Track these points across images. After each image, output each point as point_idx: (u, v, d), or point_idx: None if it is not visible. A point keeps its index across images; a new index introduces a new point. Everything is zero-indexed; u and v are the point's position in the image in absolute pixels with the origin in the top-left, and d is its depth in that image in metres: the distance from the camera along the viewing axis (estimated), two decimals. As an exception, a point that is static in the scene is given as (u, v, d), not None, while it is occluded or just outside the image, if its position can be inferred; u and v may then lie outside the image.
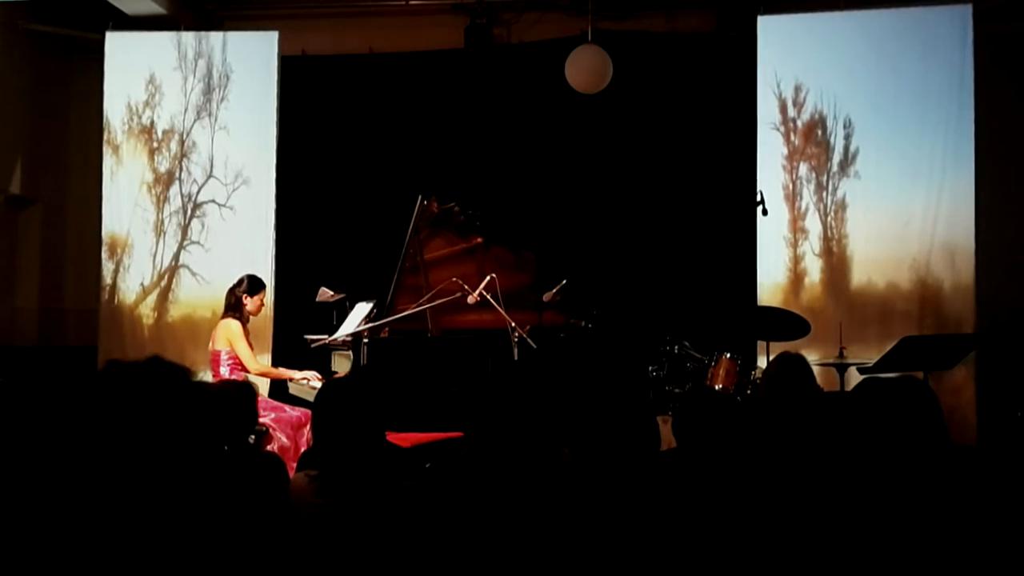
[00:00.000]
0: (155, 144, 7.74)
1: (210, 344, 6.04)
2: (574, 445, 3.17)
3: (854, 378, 6.07)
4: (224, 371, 5.86)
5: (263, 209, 7.60)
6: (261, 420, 5.31)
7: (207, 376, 6.32)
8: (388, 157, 8.13)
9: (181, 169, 7.69)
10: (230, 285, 6.16)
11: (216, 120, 7.72)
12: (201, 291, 7.57)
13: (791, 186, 7.16)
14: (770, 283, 7.15)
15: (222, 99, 7.72)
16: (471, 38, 8.06)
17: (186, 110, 7.73)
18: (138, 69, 7.72)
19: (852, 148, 7.08)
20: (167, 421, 2.36)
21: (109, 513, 2.27)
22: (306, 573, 2.74)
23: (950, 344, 6.11)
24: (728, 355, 6.34)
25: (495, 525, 2.86)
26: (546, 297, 6.11)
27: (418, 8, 8.25)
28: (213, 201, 7.66)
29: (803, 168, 7.15)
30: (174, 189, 7.69)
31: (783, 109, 7.19)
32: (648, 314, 7.29)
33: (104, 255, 7.68)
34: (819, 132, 7.14)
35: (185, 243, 7.66)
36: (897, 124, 7.02)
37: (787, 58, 7.20)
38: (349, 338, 5.75)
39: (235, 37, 7.83)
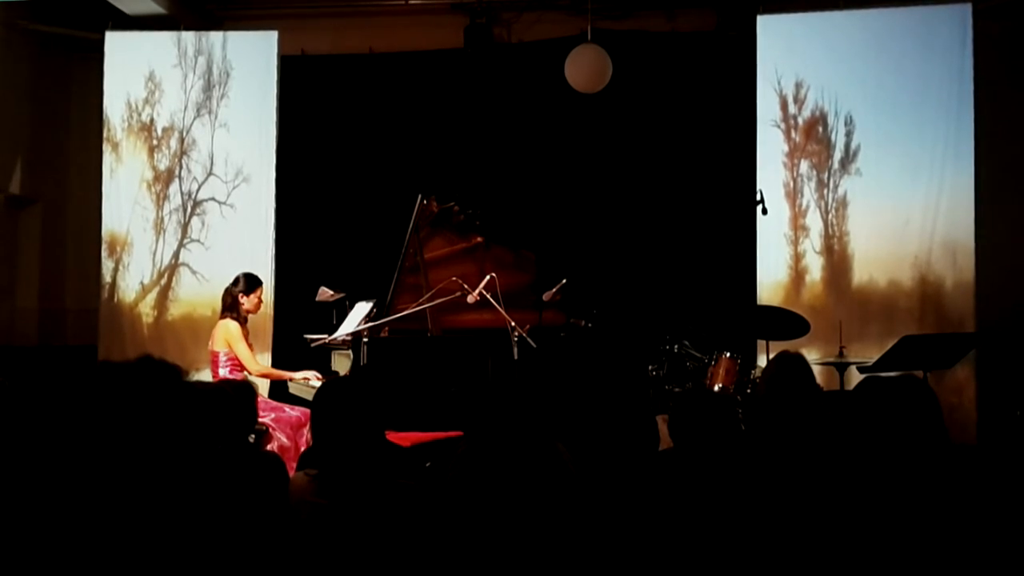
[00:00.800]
0: (155, 141, 7.73)
1: (209, 344, 6.04)
2: (574, 444, 3.17)
3: (854, 377, 6.07)
4: (223, 372, 5.86)
5: (263, 207, 7.60)
6: (261, 420, 5.31)
7: (207, 376, 6.32)
8: (388, 157, 8.13)
9: (181, 167, 7.69)
10: (228, 284, 6.15)
11: (216, 117, 7.71)
12: (201, 289, 7.56)
13: (792, 183, 7.15)
14: (771, 281, 7.14)
15: (222, 96, 7.72)
16: (471, 38, 8.06)
17: (186, 107, 7.72)
18: (138, 66, 7.71)
19: (853, 145, 7.07)
20: (158, 420, 2.36)
21: (105, 513, 2.26)
22: (306, 573, 2.74)
23: (950, 343, 6.11)
24: (728, 354, 6.34)
25: (493, 524, 2.86)
26: (546, 296, 6.11)
27: (418, 8, 8.25)
28: (213, 199, 7.65)
29: (804, 165, 7.15)
30: (174, 187, 7.69)
31: (784, 106, 7.19)
32: (648, 313, 7.29)
33: (104, 253, 7.68)
34: (820, 129, 7.14)
35: (185, 241, 7.65)
36: (897, 121, 7.01)
37: (787, 56, 7.20)
38: (349, 337, 5.75)
39: (235, 36, 7.83)
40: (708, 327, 6.74)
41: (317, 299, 6.49)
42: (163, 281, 7.65)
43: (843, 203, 7.07)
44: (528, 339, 5.62)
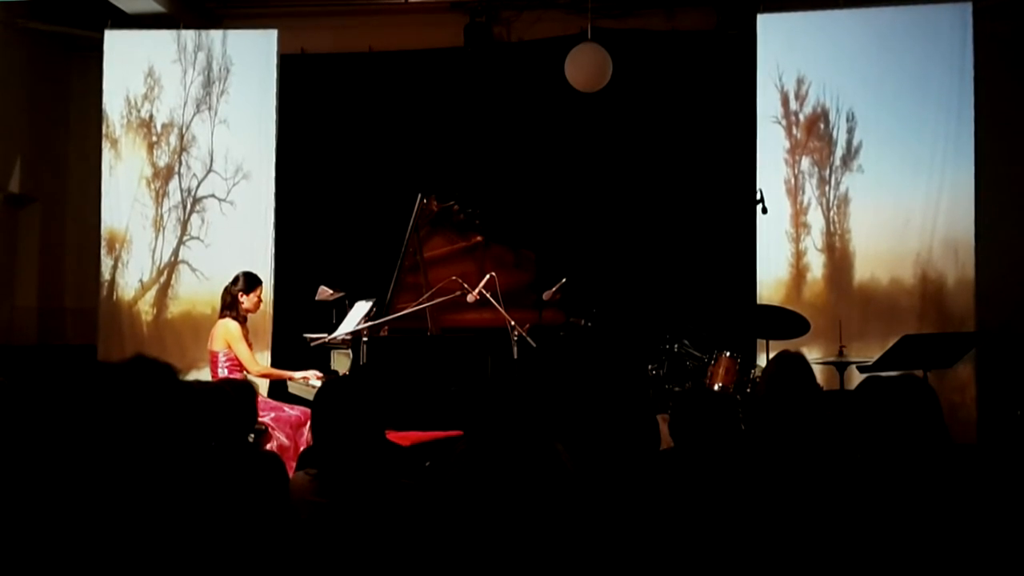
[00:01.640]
0: (154, 138, 7.72)
1: (208, 344, 6.02)
2: (573, 444, 3.17)
3: (854, 376, 6.07)
4: (223, 372, 5.85)
5: (263, 205, 7.59)
6: (260, 419, 5.31)
7: (207, 375, 6.31)
8: (388, 156, 8.12)
9: (180, 163, 7.67)
10: (228, 282, 6.14)
11: (216, 114, 7.69)
12: (201, 287, 7.55)
13: (793, 180, 7.14)
14: (772, 279, 7.13)
15: (222, 92, 7.69)
16: (471, 36, 8.06)
17: (185, 103, 7.70)
18: (137, 62, 7.69)
19: (855, 142, 7.06)
20: (152, 419, 2.35)
21: (103, 513, 2.26)
22: (306, 572, 2.74)
23: (950, 342, 6.11)
24: (728, 354, 6.33)
25: (491, 523, 2.85)
26: (546, 296, 6.10)
27: (418, 6, 8.24)
28: (213, 196, 7.63)
29: (805, 162, 7.14)
30: (173, 184, 7.67)
31: (785, 102, 7.18)
32: (648, 313, 7.28)
33: (103, 251, 7.67)
34: (822, 125, 7.13)
35: (184, 238, 7.64)
36: (898, 119, 7.00)
37: (788, 54, 7.19)
38: (348, 337, 5.75)
39: (235, 34, 7.81)
40: (708, 326, 6.74)
41: (317, 298, 6.48)
42: (162, 279, 7.63)
43: (845, 200, 7.05)
44: (528, 338, 5.62)
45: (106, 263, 7.65)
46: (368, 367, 5.43)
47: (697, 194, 7.84)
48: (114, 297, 7.65)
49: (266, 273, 7.16)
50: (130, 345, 7.42)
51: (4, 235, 8.18)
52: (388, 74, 8.21)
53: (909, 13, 7.03)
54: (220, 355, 5.89)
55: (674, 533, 2.94)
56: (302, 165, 8.05)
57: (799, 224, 7.12)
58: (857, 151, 7.05)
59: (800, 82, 7.16)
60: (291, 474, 3.34)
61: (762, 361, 6.49)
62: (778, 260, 7.14)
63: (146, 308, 7.62)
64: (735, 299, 7.26)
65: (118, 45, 7.73)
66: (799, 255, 7.12)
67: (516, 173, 8.01)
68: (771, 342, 6.32)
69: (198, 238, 7.61)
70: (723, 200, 7.66)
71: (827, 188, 7.09)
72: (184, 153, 7.67)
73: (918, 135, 6.97)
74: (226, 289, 6.06)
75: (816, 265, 7.10)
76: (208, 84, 7.70)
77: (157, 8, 7.73)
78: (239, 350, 5.85)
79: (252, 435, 4.90)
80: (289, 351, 7.02)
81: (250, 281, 6.06)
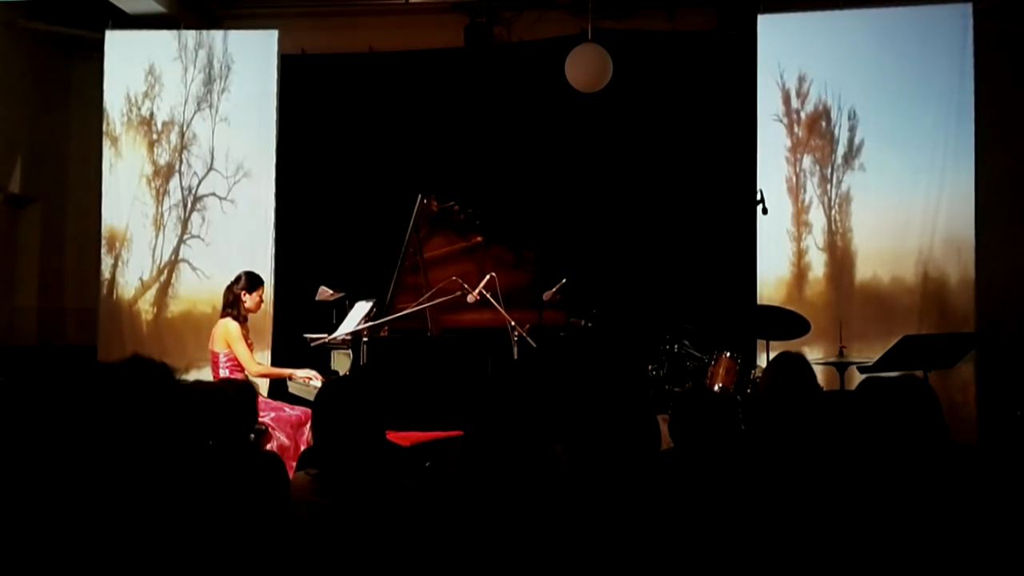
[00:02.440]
0: (155, 136, 7.71)
1: (209, 344, 6.02)
2: (573, 444, 3.17)
3: (855, 377, 6.07)
4: (224, 372, 5.84)
5: (263, 204, 7.58)
6: (261, 419, 5.30)
7: (207, 375, 6.31)
8: (388, 156, 8.12)
9: (181, 161, 7.66)
10: (229, 281, 6.13)
11: (217, 111, 7.68)
12: (201, 286, 7.54)
13: (794, 179, 7.13)
14: (773, 278, 7.12)
15: (223, 90, 7.68)
16: (471, 37, 8.06)
17: (186, 101, 7.69)
18: (138, 60, 7.68)
19: (857, 140, 7.05)
20: (149, 419, 2.35)
21: (103, 512, 2.26)
22: (306, 572, 2.74)
23: (950, 343, 6.10)
24: (728, 354, 6.33)
25: (489, 522, 2.85)
26: (546, 296, 6.10)
27: (418, 7, 8.24)
28: (214, 194, 7.62)
29: (807, 160, 7.13)
30: (174, 182, 7.66)
31: (786, 100, 7.16)
32: (648, 313, 7.28)
33: (103, 250, 7.66)
34: (823, 123, 7.11)
35: (185, 237, 7.63)
36: (899, 117, 6.99)
37: (789, 53, 7.19)
38: (349, 337, 5.74)
39: (235, 34, 7.81)
40: (708, 327, 6.74)
41: (317, 298, 6.48)
42: (163, 278, 7.62)
43: (847, 199, 7.04)
44: (528, 338, 5.62)
45: (106, 262, 7.64)
46: (368, 367, 5.43)
47: (697, 194, 7.84)
48: (114, 296, 7.64)
49: (266, 272, 7.15)
50: (130, 344, 7.41)
51: (4, 235, 8.18)
52: (388, 74, 8.21)
53: (909, 13, 7.03)
54: (221, 356, 5.88)
55: (673, 533, 2.94)
56: (302, 165, 8.05)
57: (800, 223, 7.11)
58: (859, 149, 7.04)
59: (801, 80, 7.14)
60: (291, 474, 3.33)
61: (762, 361, 6.49)
62: (779, 259, 7.13)
63: (146, 307, 7.61)
64: (736, 299, 7.26)
65: (119, 44, 7.72)
66: (800, 254, 7.11)
67: (516, 173, 8.01)
68: (771, 342, 6.32)
69: (199, 237, 7.60)
70: (723, 200, 7.66)
71: (828, 186, 7.08)
72: (185, 151, 7.66)
73: (919, 133, 6.96)
74: (228, 288, 6.05)
75: (817, 264, 7.10)
76: (209, 82, 7.68)
77: (158, 8, 7.73)
78: (238, 350, 5.85)
79: (252, 435, 4.90)
80: (289, 351, 7.02)
81: (252, 280, 6.05)
